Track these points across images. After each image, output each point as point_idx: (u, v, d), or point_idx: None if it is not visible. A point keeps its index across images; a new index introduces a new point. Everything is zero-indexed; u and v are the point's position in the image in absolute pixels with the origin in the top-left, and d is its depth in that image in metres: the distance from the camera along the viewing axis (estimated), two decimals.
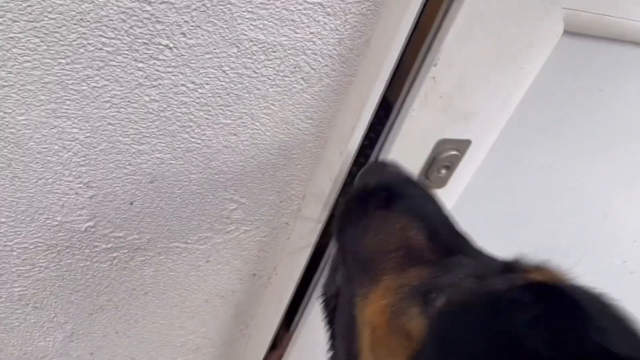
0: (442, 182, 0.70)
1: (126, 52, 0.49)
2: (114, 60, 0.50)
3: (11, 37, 0.45)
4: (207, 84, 0.55)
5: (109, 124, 0.54)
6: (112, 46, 0.49)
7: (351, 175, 0.66)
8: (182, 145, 0.60)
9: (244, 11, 0.51)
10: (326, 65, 0.58)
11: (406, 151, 0.63)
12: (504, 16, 0.54)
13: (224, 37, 0.52)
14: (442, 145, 0.65)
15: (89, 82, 0.50)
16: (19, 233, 0.61)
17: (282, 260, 0.83)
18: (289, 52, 0.55)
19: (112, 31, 0.48)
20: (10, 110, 0.50)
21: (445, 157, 0.66)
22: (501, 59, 0.59)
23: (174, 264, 0.74)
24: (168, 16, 0.48)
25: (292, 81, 0.58)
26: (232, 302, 0.87)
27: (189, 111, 0.57)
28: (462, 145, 0.66)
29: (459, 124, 0.63)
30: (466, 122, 0.64)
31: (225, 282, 0.82)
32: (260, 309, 0.92)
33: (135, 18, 0.47)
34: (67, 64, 0.48)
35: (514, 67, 0.60)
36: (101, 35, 0.47)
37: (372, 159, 0.67)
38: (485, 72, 0.59)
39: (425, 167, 0.66)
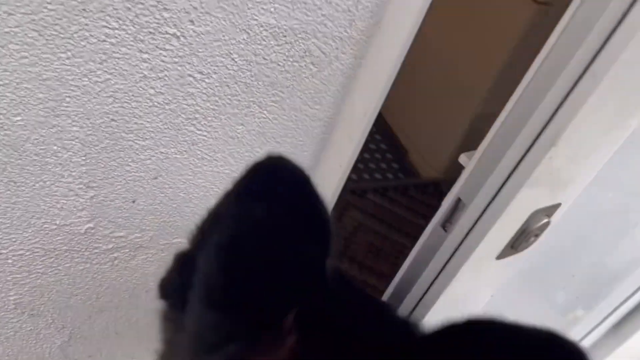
0: (524, 248, 0.63)
1: (131, 43, 0.46)
2: (117, 52, 0.46)
3: (7, 32, 0.40)
4: (215, 73, 0.52)
5: (112, 120, 0.51)
6: (116, 37, 0.45)
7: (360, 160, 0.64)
8: (187, 139, 0.57)
9: None
10: (337, 49, 0.56)
11: (499, 227, 0.57)
12: (630, 86, 0.50)
13: (233, 23, 0.49)
14: (536, 215, 0.58)
15: (90, 76, 0.47)
16: (14, 240, 0.57)
17: None
18: (299, 36, 0.53)
19: (116, 21, 0.44)
20: (4, 111, 0.45)
21: (537, 227, 0.60)
22: (614, 124, 0.54)
23: None
24: (176, 3, 0.45)
25: (302, 66, 0.56)
26: None
27: (195, 102, 0.53)
28: (553, 210, 0.60)
29: (556, 192, 0.58)
30: (564, 189, 0.59)
31: None
32: None
33: (140, 6, 0.44)
34: (68, 58, 0.44)
35: (622, 127, 0.55)
36: (104, 26, 0.44)
37: (463, 231, 0.60)
38: (598, 140, 0.55)
39: (514, 238, 0.60)
